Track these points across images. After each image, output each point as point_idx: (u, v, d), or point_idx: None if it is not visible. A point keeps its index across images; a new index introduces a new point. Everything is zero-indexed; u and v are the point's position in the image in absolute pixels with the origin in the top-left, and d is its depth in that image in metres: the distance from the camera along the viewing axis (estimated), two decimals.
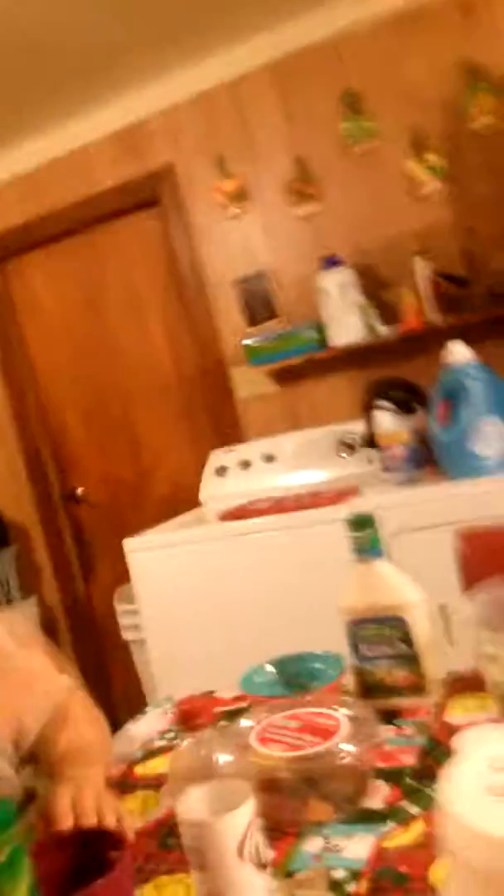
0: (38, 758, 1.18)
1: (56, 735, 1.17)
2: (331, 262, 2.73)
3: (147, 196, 3.16)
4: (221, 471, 2.80)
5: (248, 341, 2.92)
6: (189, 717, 0.63)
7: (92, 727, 1.18)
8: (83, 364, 3.42)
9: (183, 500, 3.12)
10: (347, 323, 2.71)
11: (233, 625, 2.29)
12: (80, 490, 3.49)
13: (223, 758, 0.70)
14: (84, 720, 1.19)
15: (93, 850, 0.66)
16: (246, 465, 2.76)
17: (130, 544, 2.45)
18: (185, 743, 0.70)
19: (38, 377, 3.52)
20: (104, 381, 3.39)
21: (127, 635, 2.94)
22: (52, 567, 3.53)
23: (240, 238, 3.04)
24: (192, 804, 0.69)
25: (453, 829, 0.54)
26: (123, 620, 2.91)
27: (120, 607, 2.95)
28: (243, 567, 2.29)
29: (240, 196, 3.00)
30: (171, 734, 1.23)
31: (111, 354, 3.36)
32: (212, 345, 3.13)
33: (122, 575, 3.22)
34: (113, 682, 3.49)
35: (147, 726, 1.28)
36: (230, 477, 2.76)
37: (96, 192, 3.23)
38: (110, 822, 0.79)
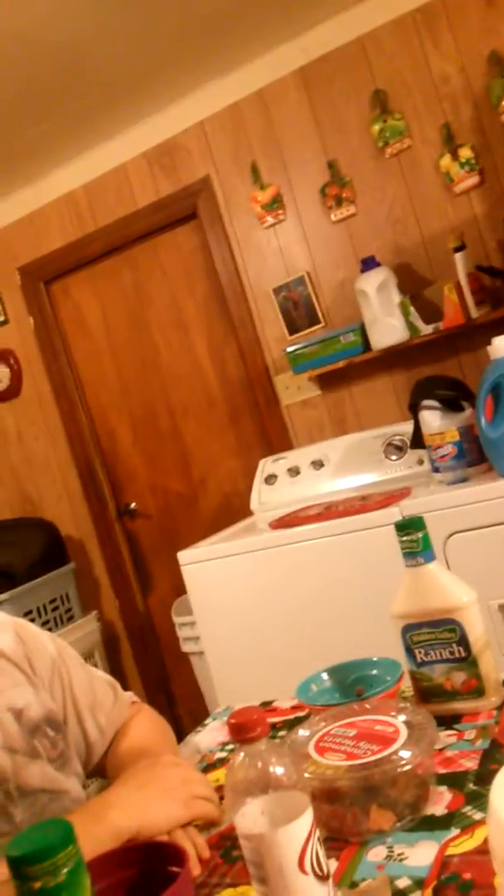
0: (104, 772, 1.20)
1: (119, 744, 1.18)
2: (369, 263, 2.72)
3: (185, 210, 3.20)
4: (270, 479, 2.80)
5: (290, 348, 2.93)
6: (242, 730, 0.63)
7: (156, 735, 1.20)
8: (130, 379, 3.47)
9: (234, 509, 3.14)
10: (388, 324, 2.70)
11: (288, 633, 2.28)
12: (134, 504, 3.53)
13: (280, 769, 0.70)
14: (148, 729, 1.20)
15: (154, 863, 0.67)
16: (295, 471, 2.76)
17: (184, 557, 2.47)
18: (241, 755, 0.70)
19: (88, 395, 3.58)
20: (151, 396, 3.43)
21: (186, 647, 2.96)
22: (111, 582, 3.58)
23: (277, 246, 3.05)
24: (250, 817, 0.69)
25: (498, 833, 0.53)
26: (182, 633, 2.93)
27: (178, 619, 2.97)
28: (296, 574, 2.29)
29: (275, 204, 3.01)
30: (231, 746, 1.23)
31: (157, 368, 3.40)
32: (255, 354, 3.14)
33: (179, 587, 3.25)
34: (175, 695, 3.52)
35: (208, 738, 1.29)
36: (279, 484, 2.76)
37: (135, 209, 3.29)
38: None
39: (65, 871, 0.50)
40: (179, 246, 3.28)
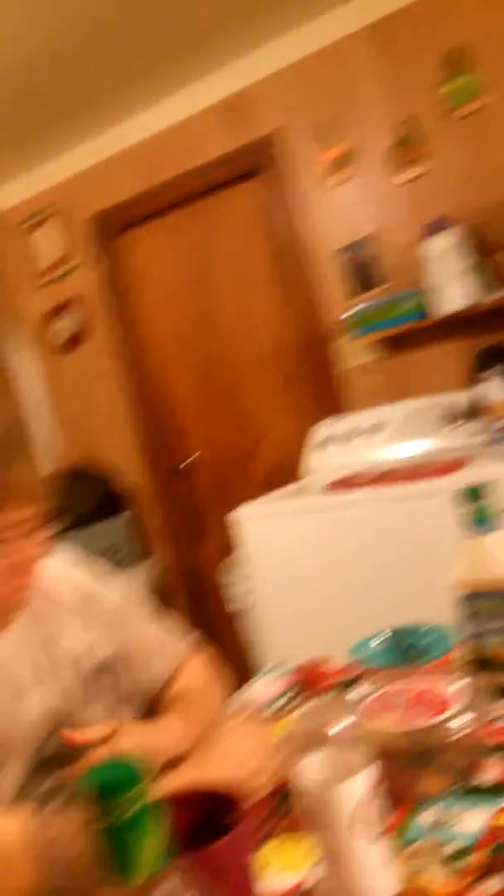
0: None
1: (171, 691, 1.21)
2: (436, 226, 2.66)
3: (251, 166, 3.16)
4: (326, 442, 2.80)
5: (351, 311, 2.89)
6: (308, 683, 0.64)
7: (207, 685, 1.22)
8: (191, 335, 3.48)
9: (288, 471, 3.14)
10: (453, 289, 2.64)
11: (338, 595, 2.30)
12: (189, 459, 3.56)
13: (341, 725, 0.71)
14: (201, 678, 1.22)
15: (213, 809, 0.69)
16: (350, 436, 2.75)
17: (237, 514, 2.49)
18: (303, 709, 0.71)
19: (149, 348, 3.60)
20: (211, 353, 3.44)
21: (234, 604, 3.00)
22: (164, 534, 3.63)
23: (343, 206, 3.01)
24: (309, 771, 0.70)
25: None
26: (231, 589, 2.97)
27: (227, 575, 3.01)
28: (348, 538, 2.29)
29: (342, 163, 2.95)
30: (282, 701, 1.25)
31: (217, 326, 3.40)
32: (315, 315, 3.12)
33: (230, 543, 3.28)
34: (222, 650, 3.57)
35: (258, 692, 1.31)
36: (334, 448, 2.76)
37: (202, 163, 3.26)
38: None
39: (135, 808, 0.51)
40: (244, 202, 3.25)
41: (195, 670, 1.25)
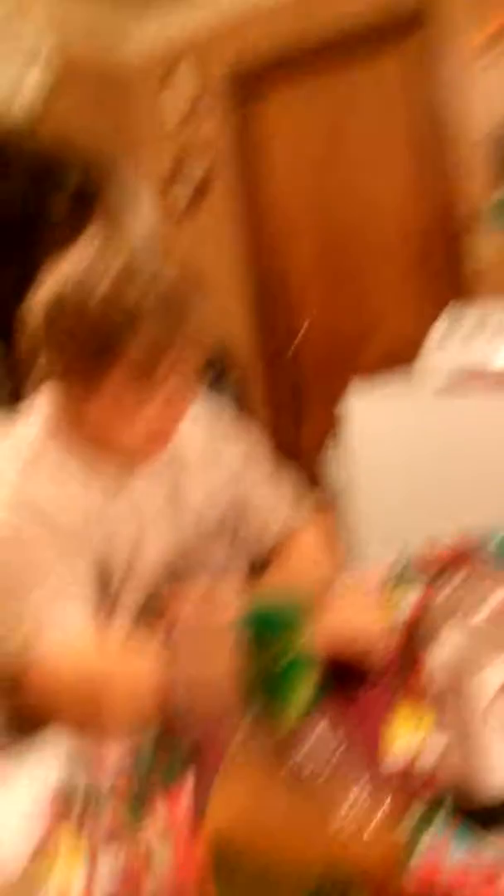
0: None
1: (284, 552, 1.21)
2: None
3: (399, 37, 2.93)
4: (448, 337, 2.68)
5: (492, 201, 2.70)
6: (458, 559, 0.61)
7: (319, 553, 1.22)
8: (316, 210, 3.33)
9: (405, 358, 3.04)
10: None
11: (439, 492, 2.24)
12: (300, 335, 3.49)
13: (487, 606, 0.68)
14: (314, 545, 1.22)
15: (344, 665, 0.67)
16: (474, 334, 2.62)
17: (351, 394, 2.44)
18: (452, 584, 0.68)
19: (270, 219, 3.48)
20: (335, 230, 3.30)
21: (331, 484, 2.98)
22: (266, 404, 3.61)
23: (495, 88, 2.76)
24: (447, 648, 0.67)
25: None
26: (330, 469, 2.95)
27: (329, 455, 2.98)
28: (462, 435, 2.22)
29: (499, 40, 2.69)
30: (392, 583, 1.23)
31: (348, 199, 3.24)
32: (451, 203, 2.95)
33: (333, 423, 3.24)
34: None
35: (369, 569, 1.29)
36: (459, 342, 2.63)
37: (347, 27, 3.03)
38: None
39: (295, 651, 0.50)
40: (391, 74, 3.04)
41: (310, 535, 1.24)
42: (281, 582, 1.15)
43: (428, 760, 0.73)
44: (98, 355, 0.98)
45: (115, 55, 3.59)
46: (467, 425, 2.21)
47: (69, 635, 0.95)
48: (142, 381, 0.99)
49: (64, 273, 1.01)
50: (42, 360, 1.03)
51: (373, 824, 0.48)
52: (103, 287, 0.97)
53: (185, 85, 3.52)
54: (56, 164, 3.59)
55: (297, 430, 3.60)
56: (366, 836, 0.47)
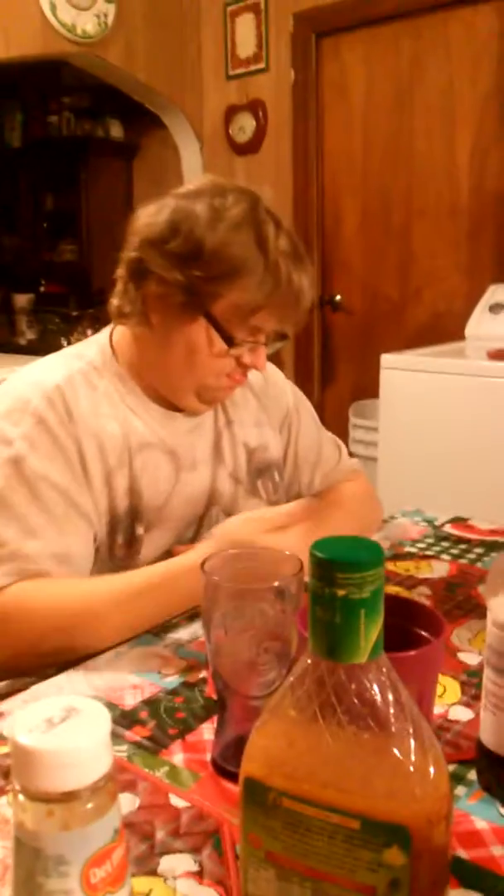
0: None
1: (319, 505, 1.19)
2: None
3: None
4: (497, 308, 2.62)
5: None
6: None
7: (361, 508, 1.19)
8: (375, 162, 3.23)
9: (444, 330, 2.98)
10: None
11: (470, 463, 2.21)
12: (339, 296, 3.42)
13: None
14: (357, 500, 1.19)
15: (413, 622, 0.65)
16: None
17: (387, 360, 2.39)
18: None
19: (326, 168, 3.38)
20: (392, 186, 3.20)
21: (353, 449, 2.95)
22: (295, 366, 3.56)
23: None
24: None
25: None
26: (355, 434, 2.92)
27: (354, 420, 2.94)
28: (498, 410, 2.18)
29: None
30: (424, 545, 1.20)
31: (408, 157, 3.14)
32: None
33: (360, 389, 3.20)
34: None
35: (397, 532, 1.27)
36: (500, 319, 2.58)
37: None
38: None
39: (370, 589, 0.47)
40: (475, 26, 2.90)
41: (355, 494, 1.22)
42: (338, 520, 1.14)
43: (455, 728, 0.71)
44: (194, 291, 0.95)
45: None
46: (501, 402, 2.17)
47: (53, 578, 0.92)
48: (219, 345, 0.98)
49: (188, 197, 0.97)
50: (128, 291, 1.00)
51: (422, 776, 0.46)
52: (227, 224, 0.94)
53: (255, 20, 3.41)
54: (117, 91, 3.52)
55: (321, 394, 3.55)
56: (416, 789, 0.45)
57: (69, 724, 0.37)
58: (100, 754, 0.37)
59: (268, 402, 1.19)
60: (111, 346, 1.07)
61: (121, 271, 1.01)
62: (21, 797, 0.36)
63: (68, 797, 0.36)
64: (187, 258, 0.94)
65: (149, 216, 0.98)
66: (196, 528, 1.09)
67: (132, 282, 1.00)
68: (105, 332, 1.10)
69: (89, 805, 0.36)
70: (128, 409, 1.04)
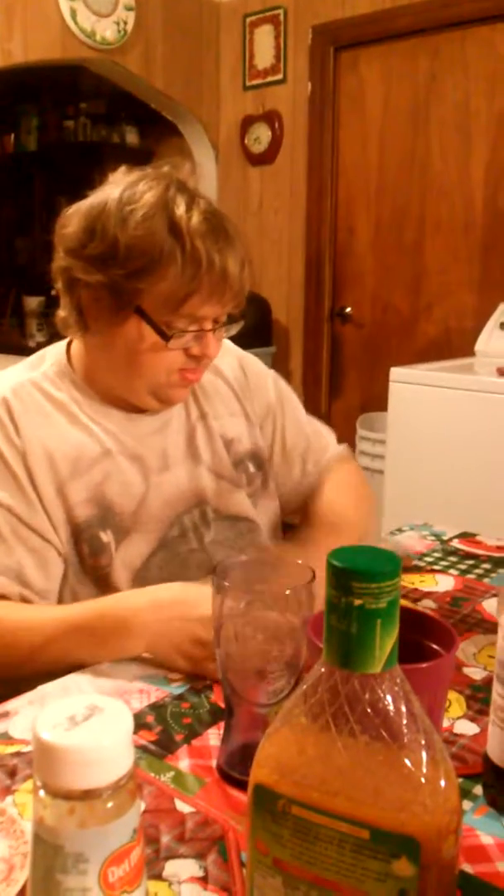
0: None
1: (314, 498, 1.18)
2: None
3: None
4: (501, 328, 2.63)
5: None
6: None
7: (351, 501, 1.18)
8: (390, 177, 3.25)
9: (453, 345, 2.99)
10: None
11: (478, 480, 2.21)
12: (349, 309, 3.43)
13: None
14: (345, 491, 1.19)
15: (424, 635, 0.65)
16: None
17: (396, 374, 2.39)
18: None
19: (341, 181, 3.40)
20: (406, 201, 3.21)
21: (361, 461, 2.95)
22: (303, 377, 3.57)
23: None
24: None
25: None
26: (362, 446, 2.92)
27: (362, 433, 2.95)
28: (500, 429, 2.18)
29: None
30: (431, 559, 1.20)
31: (422, 173, 3.15)
32: None
33: (368, 402, 3.20)
34: None
35: (405, 543, 1.27)
36: None
37: None
38: None
39: (386, 599, 0.47)
40: (493, 44, 2.92)
41: (343, 481, 1.21)
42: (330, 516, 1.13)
43: (461, 742, 0.71)
44: (119, 290, 0.93)
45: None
46: None
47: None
48: (156, 339, 0.95)
49: (101, 193, 0.96)
50: (65, 301, 1.00)
51: (434, 788, 0.46)
52: (138, 216, 0.91)
53: (274, 32, 3.43)
54: (134, 98, 3.54)
55: (329, 406, 3.56)
56: (427, 800, 0.45)
57: (92, 723, 0.38)
58: (122, 753, 0.37)
59: (247, 395, 1.17)
60: (68, 355, 1.06)
61: (56, 283, 1.01)
62: (42, 793, 0.37)
63: (89, 795, 0.36)
64: (106, 259, 0.93)
65: (65, 221, 0.97)
66: (179, 528, 1.07)
67: (66, 292, 0.99)
68: (63, 343, 1.09)
69: (110, 804, 0.37)
70: (87, 417, 1.02)
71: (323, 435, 1.26)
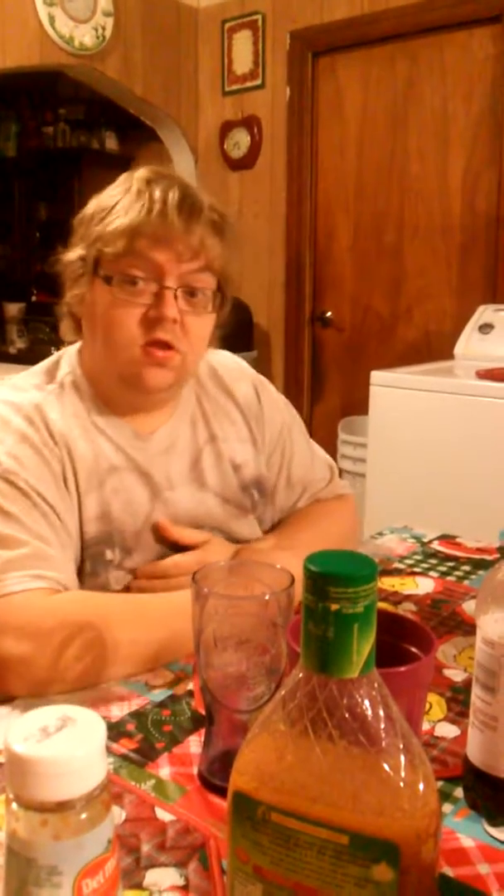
0: None
1: (300, 524, 1.18)
2: None
3: (489, 10, 2.84)
4: (486, 328, 2.64)
5: None
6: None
7: (340, 529, 1.19)
8: (369, 181, 3.27)
9: (433, 349, 3.01)
10: None
11: (458, 482, 2.22)
12: (330, 313, 3.44)
13: None
14: (337, 522, 1.19)
15: (401, 638, 0.65)
16: None
17: (377, 377, 2.40)
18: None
19: (320, 185, 3.41)
20: (385, 205, 3.23)
21: (342, 465, 2.96)
22: (285, 381, 3.58)
23: None
24: (494, 622, 0.65)
25: None
26: (344, 450, 2.92)
27: (343, 436, 2.95)
28: (487, 429, 2.19)
29: None
30: (412, 561, 1.21)
31: (401, 177, 3.18)
32: None
33: (349, 405, 3.21)
34: None
35: (384, 548, 1.27)
36: (494, 336, 2.60)
37: None
38: None
39: (363, 604, 0.47)
40: (471, 50, 2.95)
41: (335, 514, 1.21)
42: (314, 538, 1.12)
43: (441, 745, 0.71)
44: (87, 258, 0.98)
45: (182, 5, 3.52)
46: (493, 419, 2.18)
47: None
48: (115, 292, 0.95)
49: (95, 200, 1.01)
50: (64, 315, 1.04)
51: (412, 792, 0.46)
52: (101, 195, 0.98)
53: (252, 37, 3.44)
54: (113, 104, 3.53)
55: (310, 410, 3.56)
56: (405, 804, 0.45)
57: (64, 734, 0.37)
58: (95, 764, 0.37)
59: (259, 423, 1.16)
60: (80, 364, 1.06)
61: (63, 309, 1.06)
62: (14, 806, 0.36)
63: (62, 807, 0.36)
64: (77, 242, 1.00)
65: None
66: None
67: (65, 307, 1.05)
68: (74, 348, 1.08)
69: (83, 815, 0.36)
70: (97, 430, 1.01)
71: (328, 469, 1.25)
